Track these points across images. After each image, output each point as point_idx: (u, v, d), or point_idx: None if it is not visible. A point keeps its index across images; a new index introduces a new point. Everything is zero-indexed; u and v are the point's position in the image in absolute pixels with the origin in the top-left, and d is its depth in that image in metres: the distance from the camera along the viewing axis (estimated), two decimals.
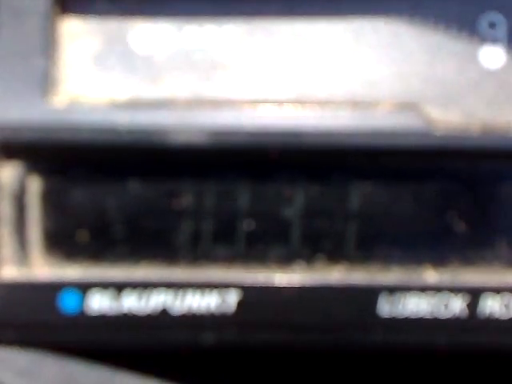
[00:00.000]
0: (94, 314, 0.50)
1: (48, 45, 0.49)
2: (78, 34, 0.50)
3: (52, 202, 0.50)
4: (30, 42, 0.48)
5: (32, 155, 0.49)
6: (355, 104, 0.49)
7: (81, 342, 0.50)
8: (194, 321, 0.50)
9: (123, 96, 0.49)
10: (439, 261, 0.50)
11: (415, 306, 0.50)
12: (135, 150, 0.49)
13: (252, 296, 0.50)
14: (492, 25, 0.50)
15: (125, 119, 0.48)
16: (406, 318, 0.50)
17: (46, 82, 0.48)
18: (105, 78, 0.49)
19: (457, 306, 0.50)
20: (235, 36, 0.50)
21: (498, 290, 0.50)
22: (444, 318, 0.50)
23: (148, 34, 0.50)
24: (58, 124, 0.48)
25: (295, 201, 0.50)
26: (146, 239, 0.50)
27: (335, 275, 0.50)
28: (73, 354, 0.50)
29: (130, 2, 0.49)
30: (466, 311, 0.50)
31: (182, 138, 0.48)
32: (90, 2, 0.49)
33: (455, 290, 0.50)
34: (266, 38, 0.50)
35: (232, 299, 0.50)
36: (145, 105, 0.49)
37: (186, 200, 0.50)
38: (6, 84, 0.48)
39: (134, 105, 0.49)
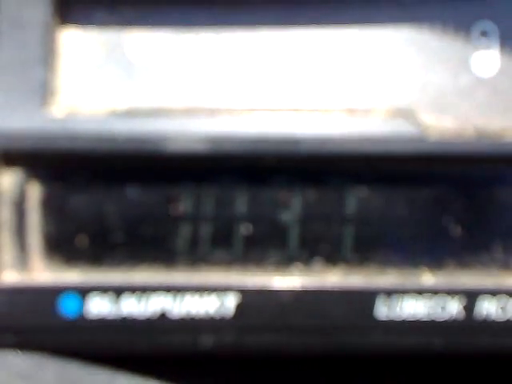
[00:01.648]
0: (93, 318, 0.50)
1: (47, 55, 0.49)
2: (76, 44, 0.50)
3: (51, 207, 0.50)
4: (29, 52, 0.49)
5: (32, 163, 0.49)
6: (350, 111, 0.50)
7: (80, 346, 0.50)
8: (192, 324, 0.50)
9: (121, 105, 0.49)
10: (436, 264, 0.51)
11: (412, 308, 0.50)
12: (133, 158, 0.49)
13: (250, 299, 0.50)
14: (484, 33, 0.50)
15: (123, 127, 0.49)
16: (404, 321, 0.50)
17: (45, 91, 0.49)
18: (103, 87, 0.50)
19: (453, 308, 0.50)
20: (232, 45, 0.50)
21: (494, 293, 0.50)
22: (441, 320, 0.50)
23: (146, 43, 0.50)
24: (57, 132, 0.49)
25: (292, 205, 0.50)
26: (145, 244, 0.50)
27: (333, 278, 0.51)
28: (72, 357, 0.50)
29: (128, 12, 0.50)
30: (463, 313, 0.50)
31: (179, 146, 0.49)
32: (88, 13, 0.50)
33: (452, 292, 0.50)
34: (263, 47, 0.50)
35: (230, 303, 0.50)
36: (143, 113, 0.49)
37: (184, 205, 0.50)
38: (6, 93, 0.49)
39: (132, 113, 0.49)
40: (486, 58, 0.50)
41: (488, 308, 0.50)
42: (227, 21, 0.50)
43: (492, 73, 0.50)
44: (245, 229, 0.50)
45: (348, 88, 0.50)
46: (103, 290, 0.50)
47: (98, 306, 0.50)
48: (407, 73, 0.50)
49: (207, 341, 0.50)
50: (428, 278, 0.51)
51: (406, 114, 0.49)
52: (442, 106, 0.50)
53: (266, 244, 0.50)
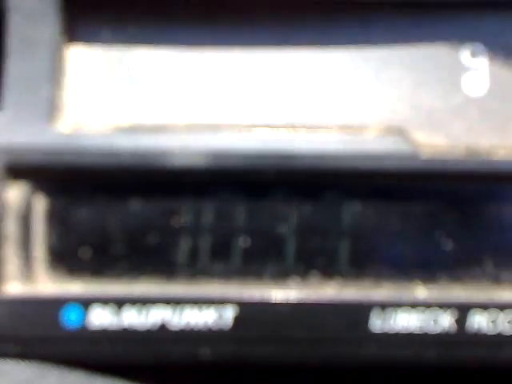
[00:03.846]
0: (95, 329, 0.50)
1: (55, 72, 0.50)
2: (83, 61, 0.51)
3: (56, 220, 0.50)
4: (37, 69, 0.49)
5: (38, 176, 0.50)
6: (345, 128, 0.50)
7: (82, 356, 0.51)
8: (191, 336, 0.50)
9: (125, 121, 0.50)
10: (429, 278, 0.51)
11: (406, 321, 0.51)
12: (136, 172, 0.50)
13: (248, 311, 0.50)
14: (474, 54, 0.51)
15: (127, 143, 0.49)
16: (397, 333, 0.51)
17: (52, 107, 0.50)
18: (108, 104, 0.51)
19: (446, 321, 0.51)
20: (232, 63, 0.51)
21: (485, 306, 0.51)
22: (433, 333, 0.51)
23: (149, 61, 0.51)
24: (63, 147, 0.49)
25: (290, 219, 0.51)
26: (146, 256, 0.51)
27: (329, 291, 0.51)
28: (74, 367, 0.50)
29: (132, 30, 0.51)
30: (455, 326, 0.51)
31: (181, 161, 0.49)
32: (95, 31, 0.50)
33: (444, 306, 0.51)
34: (262, 66, 0.51)
35: (229, 315, 0.50)
36: (146, 129, 0.50)
37: (184, 218, 0.50)
38: (14, 109, 0.49)
39: (135, 129, 0.50)
40: (476, 79, 0.51)
41: (479, 321, 0.51)
42: (228, 40, 0.51)
43: (482, 92, 0.51)
44: (243, 242, 0.51)
45: (343, 107, 0.51)
46: (105, 301, 0.50)
47: (100, 317, 0.50)
48: (400, 92, 0.51)
49: (206, 352, 0.51)
50: (421, 292, 0.51)
51: (399, 131, 0.50)
52: (433, 125, 0.51)
53: (264, 257, 0.51)
